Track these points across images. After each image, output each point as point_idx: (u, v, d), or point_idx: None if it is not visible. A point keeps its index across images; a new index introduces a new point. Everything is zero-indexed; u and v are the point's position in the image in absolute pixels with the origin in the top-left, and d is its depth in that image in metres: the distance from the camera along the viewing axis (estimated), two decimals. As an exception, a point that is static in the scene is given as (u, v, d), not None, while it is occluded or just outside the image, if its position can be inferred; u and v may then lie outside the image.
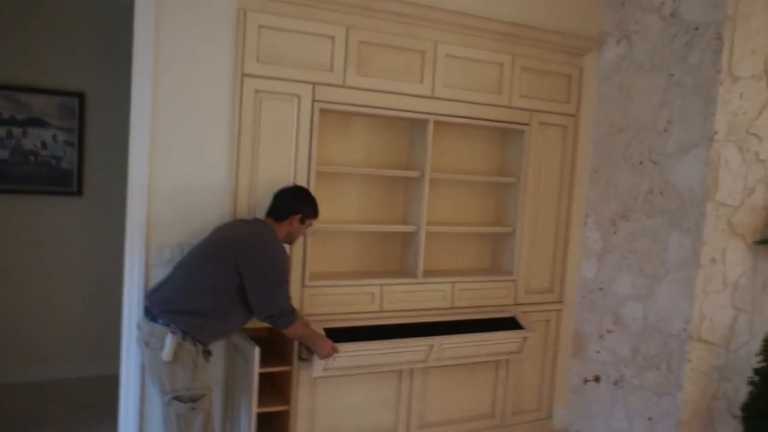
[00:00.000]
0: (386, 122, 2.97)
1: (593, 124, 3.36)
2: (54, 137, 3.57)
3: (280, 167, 2.59)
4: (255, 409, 2.35)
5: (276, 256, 2.28)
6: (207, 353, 2.26)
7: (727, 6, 2.65)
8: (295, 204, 2.38)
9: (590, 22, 3.28)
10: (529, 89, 3.12)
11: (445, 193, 3.14)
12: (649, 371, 2.98)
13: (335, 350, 2.47)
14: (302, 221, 2.40)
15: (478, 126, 3.07)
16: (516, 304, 3.19)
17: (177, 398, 2.15)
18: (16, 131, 3.49)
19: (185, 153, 2.47)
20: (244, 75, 2.49)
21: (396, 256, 3.09)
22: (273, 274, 2.23)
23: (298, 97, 2.59)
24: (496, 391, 3.21)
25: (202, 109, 2.48)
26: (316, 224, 2.56)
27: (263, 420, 2.55)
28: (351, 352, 2.59)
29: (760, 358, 2.72)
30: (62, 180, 3.61)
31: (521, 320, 3.08)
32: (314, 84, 2.61)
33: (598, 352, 3.29)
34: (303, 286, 2.66)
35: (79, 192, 3.65)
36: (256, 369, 2.33)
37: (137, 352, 2.43)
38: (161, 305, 2.18)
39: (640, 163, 3.06)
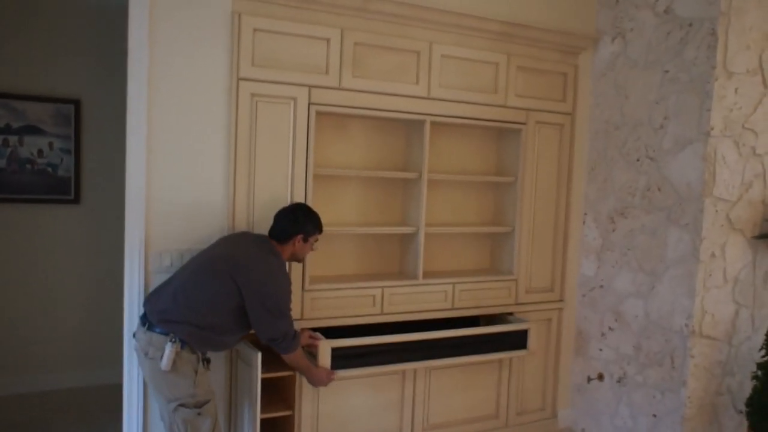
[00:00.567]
0: (383, 124, 2.96)
1: (589, 121, 3.36)
2: (50, 145, 3.56)
3: (278, 170, 2.58)
4: (258, 415, 2.34)
5: (279, 284, 2.25)
6: (207, 361, 2.25)
7: (721, 2, 2.66)
8: (296, 225, 2.35)
9: (585, 20, 3.29)
10: (525, 88, 3.12)
11: (443, 194, 3.14)
12: (652, 368, 2.97)
13: (330, 378, 2.50)
14: (305, 240, 2.38)
15: (475, 126, 3.07)
16: (517, 304, 3.18)
17: (182, 405, 2.14)
18: (12, 139, 3.48)
19: (182, 158, 2.46)
20: (239, 79, 2.48)
21: (395, 258, 3.08)
22: (275, 302, 2.21)
23: (294, 100, 2.58)
24: (499, 391, 3.20)
25: (199, 114, 2.48)
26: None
27: (267, 426, 2.54)
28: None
29: (762, 352, 2.72)
30: (59, 188, 3.59)
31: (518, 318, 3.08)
32: (310, 87, 2.60)
33: (600, 350, 3.28)
34: (303, 290, 2.65)
35: (76, 199, 3.63)
36: (259, 374, 2.32)
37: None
38: (160, 315, 2.16)
39: (637, 160, 3.06)
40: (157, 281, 2.41)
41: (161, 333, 2.13)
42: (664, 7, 2.92)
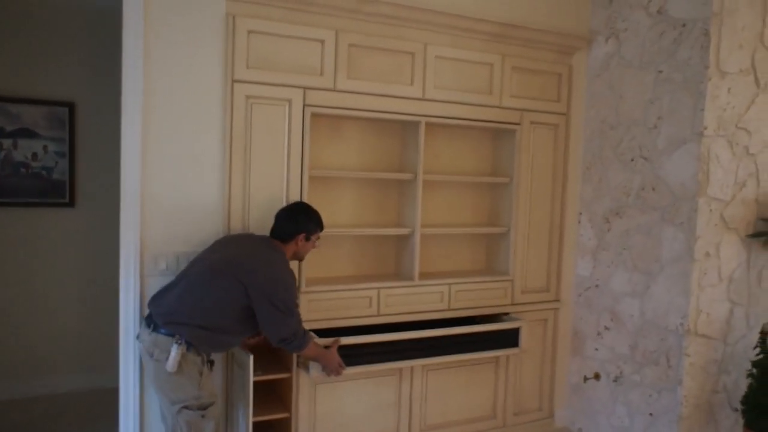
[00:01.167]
0: (378, 125, 2.97)
1: (584, 122, 3.37)
2: (45, 148, 3.55)
3: (273, 172, 2.58)
4: (251, 418, 2.34)
5: (285, 281, 2.25)
6: (210, 363, 2.25)
7: (713, 2, 2.67)
8: (296, 224, 2.36)
9: (579, 21, 3.30)
10: (520, 89, 3.13)
11: (438, 195, 3.14)
12: (648, 367, 2.98)
13: (342, 367, 2.51)
14: (307, 238, 2.39)
15: (470, 127, 3.07)
16: (513, 304, 3.19)
17: (186, 407, 2.13)
18: (6, 143, 3.46)
19: (177, 160, 2.46)
20: (234, 81, 2.48)
21: (391, 259, 3.09)
22: (283, 301, 2.21)
23: (289, 101, 2.58)
24: (496, 392, 3.21)
25: (194, 116, 2.47)
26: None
27: (265, 428, 2.53)
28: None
29: (758, 350, 2.73)
30: (54, 191, 3.58)
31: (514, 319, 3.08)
32: (305, 88, 2.60)
33: (596, 349, 3.29)
34: (300, 292, 2.64)
35: (71, 203, 3.62)
36: (251, 377, 2.32)
37: (135, 363, 2.41)
38: (166, 316, 2.15)
39: (632, 160, 3.07)
40: (153, 285, 2.40)
41: (167, 334, 2.12)
42: (657, 8, 2.93)
